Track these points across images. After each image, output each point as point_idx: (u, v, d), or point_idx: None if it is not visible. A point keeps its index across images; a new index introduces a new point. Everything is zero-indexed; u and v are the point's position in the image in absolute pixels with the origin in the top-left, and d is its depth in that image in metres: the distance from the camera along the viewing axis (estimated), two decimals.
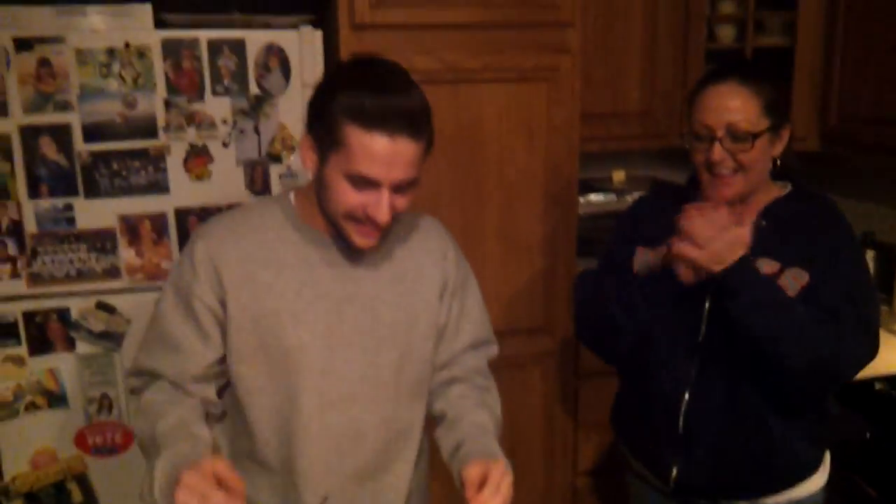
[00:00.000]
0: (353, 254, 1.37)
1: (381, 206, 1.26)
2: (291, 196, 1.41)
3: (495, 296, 2.24)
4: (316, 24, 2.02)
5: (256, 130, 1.97)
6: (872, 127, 2.13)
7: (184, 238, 1.95)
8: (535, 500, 2.43)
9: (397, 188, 1.26)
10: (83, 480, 2.04)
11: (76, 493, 2.04)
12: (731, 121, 1.43)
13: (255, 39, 1.95)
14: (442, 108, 2.11)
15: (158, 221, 1.95)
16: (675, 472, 1.56)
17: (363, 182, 1.24)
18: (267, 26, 1.99)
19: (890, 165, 2.41)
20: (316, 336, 1.35)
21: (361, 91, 1.22)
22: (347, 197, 1.26)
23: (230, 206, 1.95)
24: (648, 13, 2.48)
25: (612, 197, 2.57)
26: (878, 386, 1.82)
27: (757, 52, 2.43)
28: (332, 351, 1.36)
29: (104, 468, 2.04)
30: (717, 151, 1.44)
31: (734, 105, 1.43)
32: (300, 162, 1.36)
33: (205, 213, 1.95)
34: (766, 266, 1.46)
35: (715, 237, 1.38)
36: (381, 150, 1.21)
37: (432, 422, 1.51)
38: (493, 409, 1.49)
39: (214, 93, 1.93)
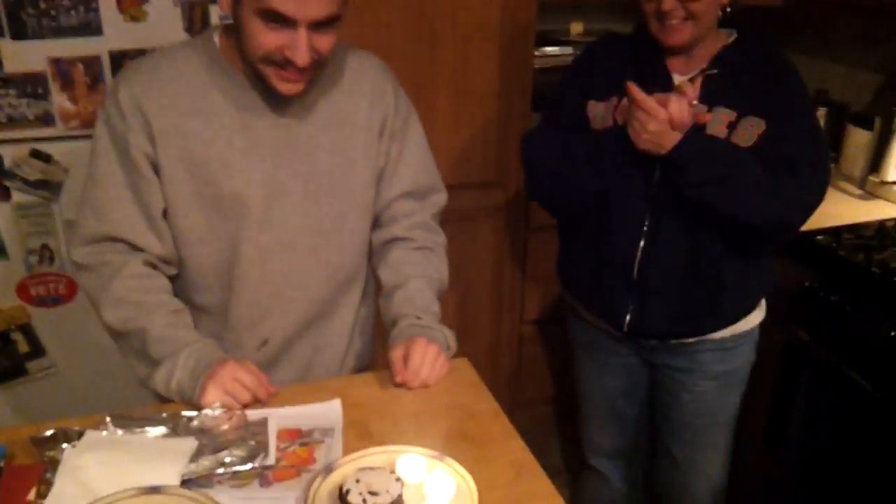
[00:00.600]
0: (283, 98, 1.30)
1: (298, 46, 1.19)
2: (216, 37, 1.33)
3: (447, 148, 2.21)
4: None
5: None
6: None
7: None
8: (484, 348, 2.51)
9: (316, 26, 1.19)
10: (27, 330, 2.03)
11: (21, 343, 2.03)
12: None
13: None
14: None
15: (92, 65, 1.84)
16: (628, 318, 1.63)
17: (277, 19, 1.17)
18: None
19: (850, 23, 2.39)
20: (250, 184, 1.33)
21: None
22: (263, 38, 1.19)
23: None
24: None
25: (567, 49, 2.50)
26: (819, 238, 1.89)
27: None
28: (268, 199, 1.34)
29: (48, 317, 2.03)
30: (668, 1, 1.43)
31: None
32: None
33: (141, 56, 1.84)
34: (723, 115, 1.49)
35: (651, 127, 1.41)
36: None
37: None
38: (432, 273, 1.50)
39: None
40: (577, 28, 2.66)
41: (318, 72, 1.29)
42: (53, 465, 1.15)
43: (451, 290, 2.36)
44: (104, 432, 1.21)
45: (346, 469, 1.14)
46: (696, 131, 1.47)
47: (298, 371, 1.49)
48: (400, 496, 1.07)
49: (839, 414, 1.79)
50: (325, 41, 1.22)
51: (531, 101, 2.30)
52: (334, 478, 1.12)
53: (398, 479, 1.09)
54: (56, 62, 1.82)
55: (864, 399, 1.69)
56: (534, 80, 2.29)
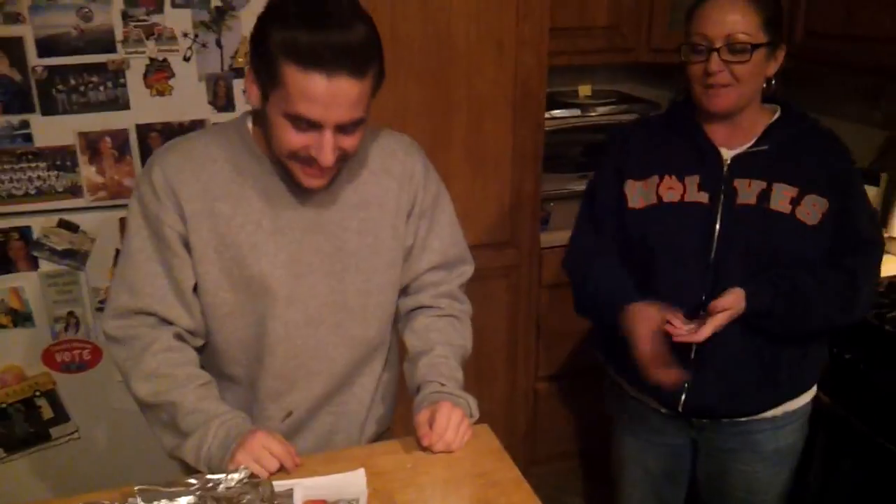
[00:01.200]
0: (306, 208, 1.35)
1: (323, 148, 1.21)
2: (249, 122, 1.37)
3: (462, 211, 2.22)
4: None
5: (219, 44, 1.90)
6: (839, 43, 2.13)
7: (146, 155, 1.91)
8: (500, 404, 2.53)
9: (341, 129, 1.22)
10: (52, 396, 2.06)
11: (46, 409, 2.06)
12: (730, 32, 1.42)
13: None
14: (410, 20, 2.07)
15: (119, 138, 1.90)
16: (684, 397, 1.57)
17: (304, 123, 1.19)
18: None
19: (852, 81, 2.44)
20: (277, 265, 1.36)
21: (296, 25, 1.14)
22: (289, 137, 1.21)
23: (193, 123, 1.91)
24: None
25: (576, 111, 2.57)
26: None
27: None
28: (296, 278, 1.38)
29: (73, 384, 2.06)
30: (715, 62, 1.43)
31: (734, 17, 1.42)
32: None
33: (167, 129, 1.90)
34: (785, 191, 1.47)
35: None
36: (318, 91, 1.15)
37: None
38: (456, 341, 1.52)
39: (174, 5, 1.85)
40: (585, 90, 2.73)
41: (343, 164, 1.33)
42: None
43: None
44: None
45: None
46: (762, 210, 1.47)
47: (320, 438, 1.51)
48: None
49: (856, 472, 1.78)
50: (350, 141, 1.24)
51: (542, 162, 2.35)
52: None
53: None
54: (84, 136, 1.88)
55: (880, 455, 1.69)
56: (545, 142, 2.35)
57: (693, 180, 1.51)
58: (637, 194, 1.56)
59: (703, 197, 1.50)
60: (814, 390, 1.64)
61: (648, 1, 2.48)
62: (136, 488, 1.26)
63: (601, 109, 2.61)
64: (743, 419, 1.59)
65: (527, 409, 2.60)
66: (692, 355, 1.54)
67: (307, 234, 1.37)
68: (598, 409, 2.66)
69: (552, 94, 2.57)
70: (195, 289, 1.37)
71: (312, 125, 1.19)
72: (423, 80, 2.13)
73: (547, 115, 2.41)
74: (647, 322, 1.44)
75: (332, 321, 1.43)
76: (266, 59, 1.17)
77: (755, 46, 1.43)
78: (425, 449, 1.39)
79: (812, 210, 1.46)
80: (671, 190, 1.52)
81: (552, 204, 2.54)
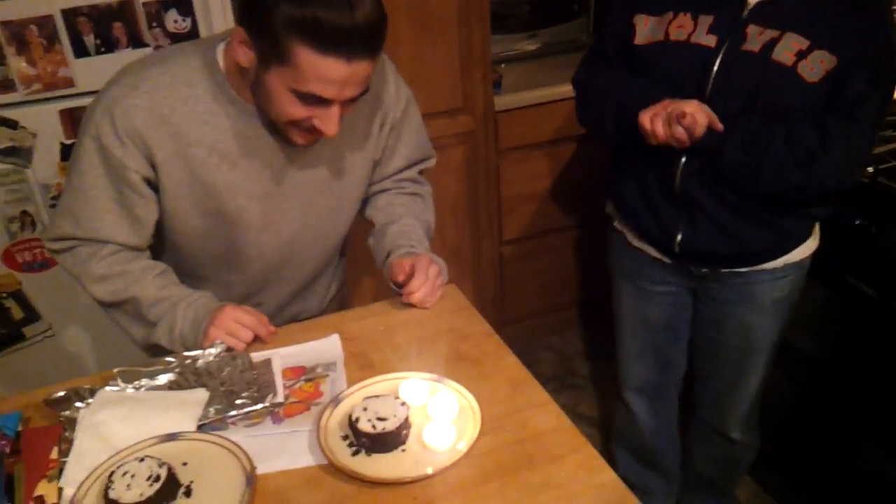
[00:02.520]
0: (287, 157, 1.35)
1: (331, 120, 1.19)
2: (220, 57, 1.28)
3: (412, 78, 2.19)
4: None
5: None
6: None
7: (76, 41, 1.82)
8: (467, 270, 2.58)
9: (349, 100, 1.20)
10: (20, 297, 2.05)
11: (15, 310, 2.05)
12: None
13: None
14: None
15: (46, 25, 1.80)
16: (679, 237, 1.58)
17: (313, 99, 1.16)
18: None
19: None
20: (252, 199, 1.36)
21: (311, 3, 1.07)
22: (292, 109, 1.19)
23: (121, 4, 1.81)
24: None
25: None
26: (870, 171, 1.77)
27: None
28: (269, 209, 1.38)
29: (39, 282, 2.04)
30: None
31: None
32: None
33: (95, 13, 1.81)
34: (794, 41, 1.39)
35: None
36: (336, 74, 1.12)
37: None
38: (421, 216, 1.55)
39: None
40: None
41: None
42: (70, 424, 1.20)
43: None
44: (115, 388, 1.26)
45: (353, 399, 1.20)
46: (763, 59, 1.40)
47: (286, 322, 1.55)
48: (407, 419, 1.13)
49: (853, 332, 1.82)
50: (351, 108, 1.24)
51: (490, 23, 2.29)
52: (343, 408, 1.19)
53: (403, 404, 1.15)
54: (7, 25, 1.78)
55: (881, 317, 1.70)
56: (491, 2, 2.28)
57: (706, 20, 1.45)
58: (647, 30, 1.52)
59: (710, 40, 1.44)
60: (812, 243, 1.63)
61: None
62: (115, 370, 1.29)
63: None
64: (743, 269, 1.61)
65: (493, 273, 2.66)
66: (676, 191, 1.54)
67: (283, 168, 1.36)
68: (566, 266, 2.75)
69: None
70: (158, 221, 1.37)
71: (322, 101, 1.17)
72: (401, 43, 2.08)
73: None
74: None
75: (305, 239, 1.46)
76: (270, 31, 1.11)
77: None
78: (399, 306, 1.44)
79: (817, 66, 1.38)
80: (680, 28, 1.47)
81: (503, 66, 2.50)
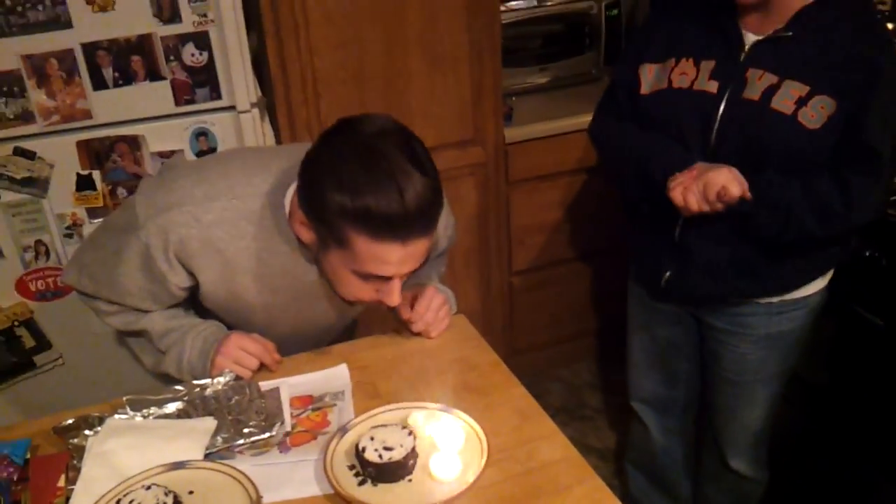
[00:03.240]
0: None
1: (392, 293, 1.22)
2: (287, 201, 1.27)
3: (423, 111, 2.24)
4: None
5: None
6: None
7: (95, 74, 1.86)
8: (475, 302, 2.58)
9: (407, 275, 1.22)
10: (32, 325, 2.06)
11: (27, 338, 2.07)
12: None
13: None
14: None
15: (66, 59, 1.84)
16: (667, 275, 1.59)
17: (373, 277, 1.19)
18: None
19: None
20: (285, 311, 1.41)
21: (361, 193, 1.08)
22: (354, 287, 1.22)
23: (140, 38, 1.85)
24: None
25: (532, 2, 2.52)
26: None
27: None
28: (296, 316, 1.42)
29: (51, 311, 2.06)
30: None
31: None
32: None
33: (114, 47, 1.84)
34: (793, 89, 1.38)
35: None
36: (393, 256, 1.14)
37: None
38: (433, 264, 1.57)
39: None
40: None
41: None
42: (79, 451, 1.21)
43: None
44: (123, 416, 1.27)
45: (360, 428, 1.20)
46: (762, 107, 1.39)
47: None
48: (413, 449, 1.13)
49: (864, 364, 1.81)
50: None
51: (501, 56, 2.32)
52: (350, 437, 1.19)
53: (410, 433, 1.15)
54: (28, 59, 1.82)
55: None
56: (502, 37, 2.31)
57: (708, 66, 1.46)
58: (651, 78, 1.53)
59: (713, 86, 1.45)
60: (821, 281, 1.60)
61: None
62: (124, 398, 1.30)
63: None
64: (732, 304, 1.60)
65: (503, 304, 2.66)
66: (676, 238, 1.55)
67: (317, 299, 1.39)
68: (575, 297, 2.75)
69: None
70: None
71: (382, 278, 1.19)
72: (376, 50, 2.10)
73: (502, 6, 2.37)
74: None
75: (319, 309, 1.45)
76: (326, 219, 1.13)
77: None
78: (408, 337, 1.45)
79: (818, 112, 1.36)
80: (683, 75, 1.48)
81: (514, 98, 2.53)
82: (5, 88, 1.82)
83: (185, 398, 1.30)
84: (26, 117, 1.86)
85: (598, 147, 1.71)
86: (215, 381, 1.32)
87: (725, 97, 1.43)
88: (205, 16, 1.88)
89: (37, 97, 1.85)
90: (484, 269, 2.57)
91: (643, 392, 1.92)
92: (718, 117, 1.44)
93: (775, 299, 1.57)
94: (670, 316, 1.75)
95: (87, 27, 1.83)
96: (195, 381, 1.32)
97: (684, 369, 1.83)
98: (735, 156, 1.43)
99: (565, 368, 2.87)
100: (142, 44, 1.86)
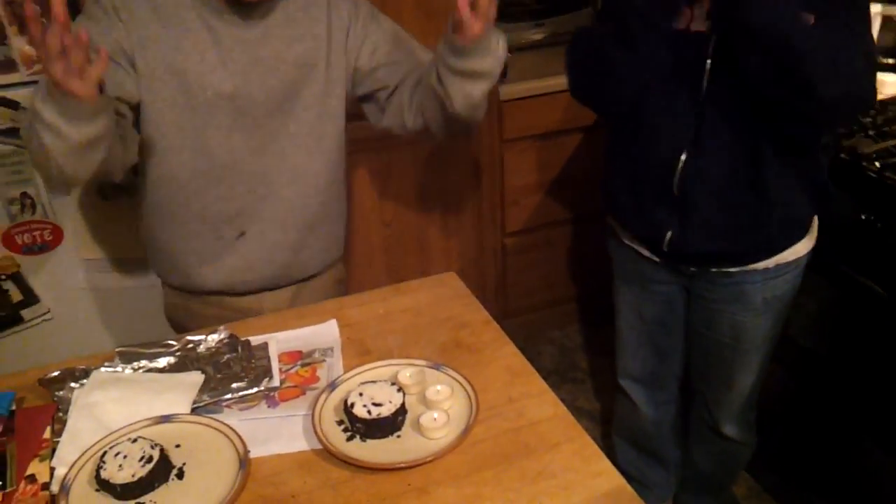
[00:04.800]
0: (248, 17, 1.41)
1: None
2: None
3: None
4: None
5: None
6: None
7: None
8: (468, 261, 2.56)
9: None
10: (19, 279, 2.04)
11: (14, 292, 2.05)
12: None
13: None
14: None
15: (46, 4, 1.78)
16: (669, 236, 1.55)
17: None
18: None
19: None
20: (221, 96, 1.42)
21: None
22: None
23: None
24: None
25: None
26: (867, 166, 1.75)
27: None
28: (237, 108, 1.44)
29: (37, 265, 2.04)
30: None
31: None
32: None
33: None
34: None
35: None
36: None
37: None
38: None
39: None
40: None
41: None
42: (64, 403, 1.20)
43: (431, 208, 2.40)
44: (109, 369, 1.25)
45: (349, 384, 1.19)
46: None
47: (280, 268, 1.57)
48: (402, 405, 1.12)
49: (848, 319, 1.80)
50: None
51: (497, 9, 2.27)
52: (338, 393, 1.18)
53: (399, 389, 1.14)
54: (9, 4, 1.77)
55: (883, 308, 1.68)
56: None
57: None
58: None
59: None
60: (808, 242, 1.60)
61: None
62: (116, 350, 1.28)
63: None
64: (733, 269, 1.58)
65: (496, 264, 2.64)
66: (675, 191, 1.51)
67: (248, 66, 1.42)
68: (569, 259, 2.74)
69: None
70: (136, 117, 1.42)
71: None
72: None
73: None
74: None
75: (276, 149, 1.48)
76: None
77: None
78: (398, 293, 1.45)
79: None
80: None
81: (509, 55, 2.48)
82: None
83: (177, 353, 1.28)
84: (8, 66, 1.82)
85: (573, 55, 1.58)
86: (209, 337, 1.30)
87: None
88: None
89: (18, 45, 1.80)
90: (477, 229, 2.54)
91: (633, 371, 1.90)
92: (711, 48, 1.39)
93: (771, 263, 1.56)
94: (659, 294, 1.72)
95: None
96: (189, 337, 1.31)
97: (673, 344, 1.82)
98: (723, 92, 1.40)
99: (558, 331, 2.87)
100: None
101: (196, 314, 1.60)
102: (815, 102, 1.31)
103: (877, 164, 1.73)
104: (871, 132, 1.87)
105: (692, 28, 1.43)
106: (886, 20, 2.17)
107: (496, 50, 1.39)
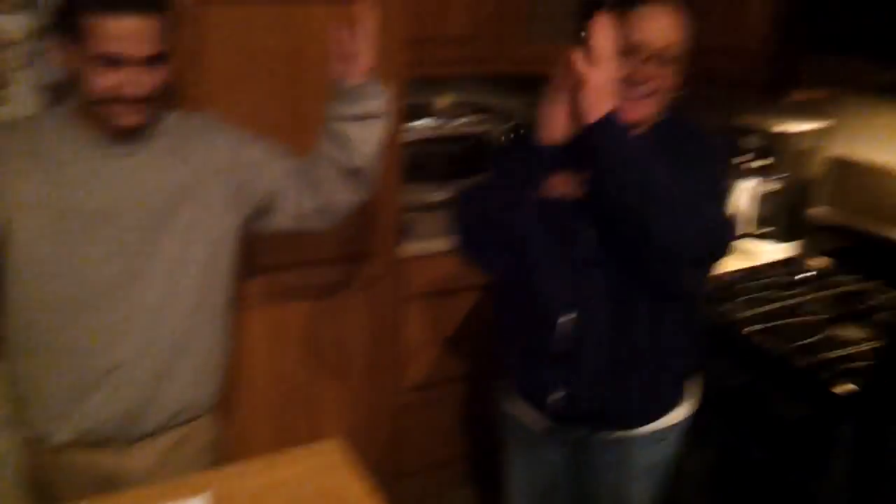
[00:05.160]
0: (127, 146, 1.48)
1: (131, 81, 1.38)
2: (65, 109, 1.48)
3: None
4: None
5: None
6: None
7: None
8: (363, 418, 2.50)
9: (146, 62, 1.38)
10: None
11: None
12: (668, 42, 1.43)
13: None
14: (264, 33, 2.02)
15: None
16: (554, 396, 1.56)
17: (109, 61, 1.35)
18: None
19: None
20: (96, 220, 1.45)
21: None
22: (100, 79, 1.37)
23: None
24: None
25: (435, 122, 2.59)
26: (742, 331, 1.86)
27: None
28: (114, 232, 1.47)
29: None
30: (647, 70, 1.42)
31: (674, 30, 1.44)
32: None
33: None
34: None
35: (608, 62, 1.35)
36: (114, 30, 1.34)
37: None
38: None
39: None
40: (443, 101, 2.75)
41: (153, 110, 1.47)
42: None
43: (327, 364, 2.36)
44: None
45: None
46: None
47: (147, 401, 1.52)
48: None
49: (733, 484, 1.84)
50: (156, 76, 1.42)
51: (405, 173, 2.36)
52: None
53: None
54: None
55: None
56: (407, 153, 2.35)
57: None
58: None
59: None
60: (688, 406, 1.64)
61: (508, 11, 2.53)
62: None
63: (460, 120, 2.65)
64: (617, 434, 1.59)
65: (391, 422, 2.58)
66: (560, 349, 1.53)
67: (123, 192, 1.48)
68: (466, 416, 2.70)
69: (412, 106, 2.57)
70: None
71: (116, 62, 1.36)
72: (274, 94, 2.08)
73: (405, 126, 2.42)
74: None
75: (154, 273, 1.49)
76: (69, 18, 1.36)
77: (681, 59, 1.45)
78: (279, 465, 1.39)
79: None
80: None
81: (413, 215, 2.55)
82: None
83: None
84: None
85: (462, 233, 1.60)
86: None
87: None
88: None
89: None
90: (374, 386, 2.50)
91: None
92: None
93: (651, 427, 1.59)
94: (547, 463, 1.72)
95: None
96: None
97: None
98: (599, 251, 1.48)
99: (455, 491, 2.79)
100: None
101: (51, 480, 1.51)
102: (657, 251, 1.39)
103: (752, 328, 1.84)
104: (745, 297, 2.00)
105: (568, 194, 1.49)
106: (764, 195, 2.36)
107: (384, 91, 1.55)
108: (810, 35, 1.95)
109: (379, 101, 1.54)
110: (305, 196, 1.61)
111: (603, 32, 1.35)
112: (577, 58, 1.35)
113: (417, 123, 2.55)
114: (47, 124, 1.48)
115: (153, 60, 1.40)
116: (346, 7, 1.71)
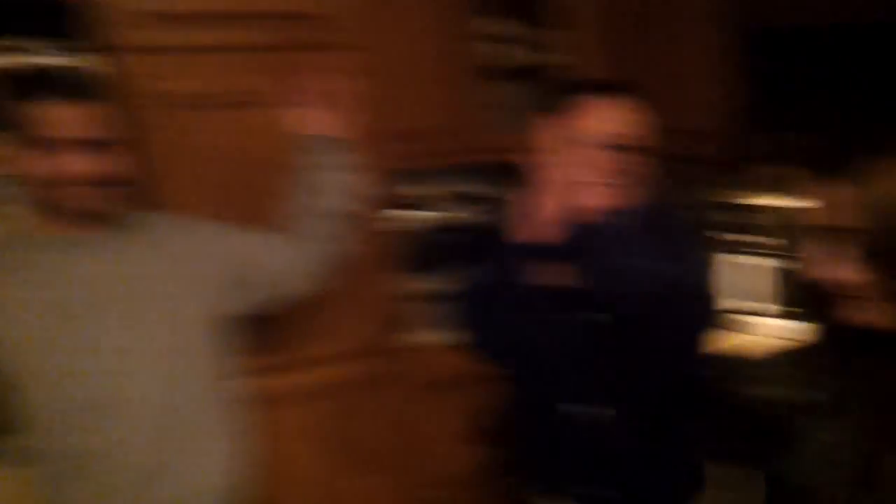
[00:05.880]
0: (98, 244, 1.50)
1: (77, 161, 1.41)
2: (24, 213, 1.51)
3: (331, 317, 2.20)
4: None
5: None
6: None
7: None
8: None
9: (90, 146, 1.43)
10: None
11: None
12: (638, 133, 1.45)
13: None
14: (220, 134, 2.00)
15: None
16: (574, 489, 1.56)
17: (50, 144, 1.40)
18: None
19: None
20: (70, 319, 1.47)
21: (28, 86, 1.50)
22: (46, 165, 1.40)
23: None
24: (431, 33, 2.43)
25: (417, 213, 2.62)
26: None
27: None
28: (94, 328, 1.48)
29: None
30: (620, 159, 1.44)
31: (639, 118, 1.46)
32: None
33: None
34: None
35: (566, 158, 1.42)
36: (50, 116, 1.42)
37: None
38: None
39: None
40: (440, 191, 2.75)
41: (114, 198, 1.50)
42: None
43: (344, 462, 2.27)
44: None
45: None
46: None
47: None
48: None
49: None
50: (107, 161, 1.46)
51: (400, 264, 2.37)
52: None
53: None
54: None
55: None
56: (400, 244, 2.37)
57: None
58: None
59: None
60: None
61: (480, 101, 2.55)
62: None
63: (455, 210, 2.68)
64: None
65: None
66: (576, 444, 1.52)
67: (98, 284, 1.50)
68: None
69: (411, 197, 2.59)
70: None
71: (57, 145, 1.41)
72: (232, 197, 2.03)
73: (402, 216, 2.44)
74: None
75: (138, 352, 1.49)
76: (16, 121, 1.44)
77: (650, 150, 1.48)
78: None
79: None
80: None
81: (414, 304, 2.51)
82: None
83: None
84: None
85: (474, 334, 1.62)
86: None
87: None
88: None
89: None
90: (397, 482, 2.38)
91: None
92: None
93: None
94: None
95: None
96: None
97: None
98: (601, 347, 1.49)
99: None
100: None
101: None
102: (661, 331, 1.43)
103: None
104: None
105: (564, 285, 1.47)
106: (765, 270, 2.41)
107: (342, 143, 1.70)
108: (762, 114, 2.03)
109: (337, 153, 1.69)
110: (296, 261, 1.71)
111: (549, 132, 1.44)
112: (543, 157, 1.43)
113: (414, 213, 2.57)
114: (13, 232, 1.54)
115: (99, 144, 1.45)
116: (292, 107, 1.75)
